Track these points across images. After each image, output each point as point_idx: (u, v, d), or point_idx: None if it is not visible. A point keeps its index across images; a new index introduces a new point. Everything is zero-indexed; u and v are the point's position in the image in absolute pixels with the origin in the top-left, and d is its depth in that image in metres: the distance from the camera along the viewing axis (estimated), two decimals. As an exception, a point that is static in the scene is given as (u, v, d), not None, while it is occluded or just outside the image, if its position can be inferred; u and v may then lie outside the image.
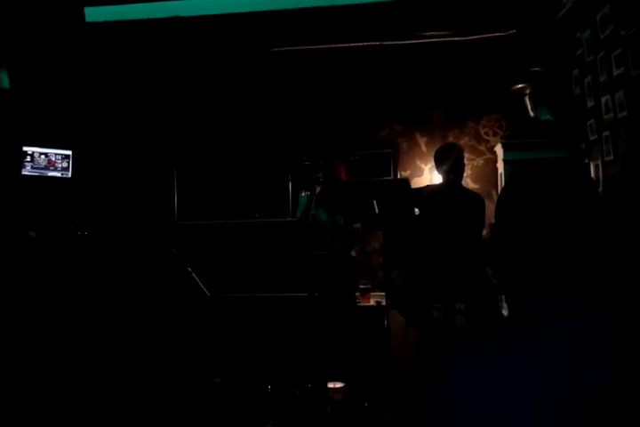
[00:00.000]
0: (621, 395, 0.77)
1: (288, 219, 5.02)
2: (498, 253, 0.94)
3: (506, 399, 0.77)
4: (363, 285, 4.80)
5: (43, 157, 4.74)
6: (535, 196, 0.90)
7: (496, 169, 4.89)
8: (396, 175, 5.12)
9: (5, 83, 4.66)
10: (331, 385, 2.78)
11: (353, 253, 4.34)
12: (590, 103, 3.88)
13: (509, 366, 0.79)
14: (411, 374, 3.69)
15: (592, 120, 3.85)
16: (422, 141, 5.17)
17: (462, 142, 4.97)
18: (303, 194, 4.25)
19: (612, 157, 3.52)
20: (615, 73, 3.40)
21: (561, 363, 0.79)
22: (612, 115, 3.49)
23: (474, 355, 0.84)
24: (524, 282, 0.89)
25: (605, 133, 3.61)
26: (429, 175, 5.05)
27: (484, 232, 3.84)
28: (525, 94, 4.49)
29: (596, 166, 3.80)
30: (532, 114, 4.49)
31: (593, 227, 0.88)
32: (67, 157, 4.87)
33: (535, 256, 0.88)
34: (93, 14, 4.76)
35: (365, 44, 5.07)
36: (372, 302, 4.77)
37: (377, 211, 3.69)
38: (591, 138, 3.89)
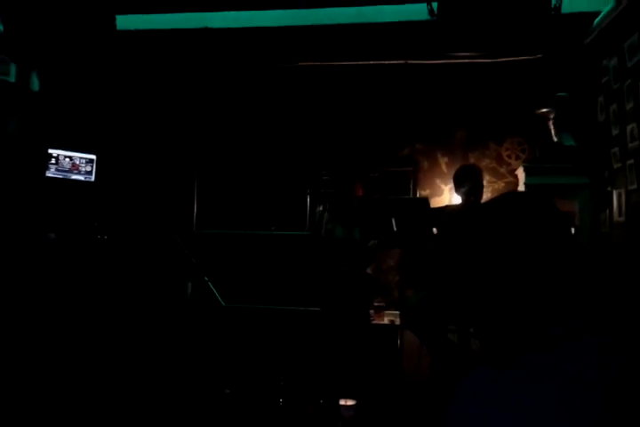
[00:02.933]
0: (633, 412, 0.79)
1: (305, 232, 5.03)
2: (476, 286, 0.96)
3: (521, 424, 0.77)
4: (377, 303, 4.78)
5: (67, 160, 4.81)
6: (517, 230, 0.92)
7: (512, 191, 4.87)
8: (416, 194, 5.11)
9: (35, 86, 4.74)
10: (342, 402, 2.76)
11: (368, 271, 4.33)
12: (615, 131, 3.87)
13: (525, 391, 0.79)
14: (423, 394, 3.66)
15: (616, 148, 3.84)
16: (443, 161, 5.17)
17: (483, 164, 4.95)
18: (320, 209, 4.27)
19: (635, 186, 3.50)
20: (642, 102, 3.40)
21: (575, 385, 0.79)
22: (637, 143, 3.48)
23: (488, 380, 0.84)
24: (520, 309, 0.90)
25: (630, 162, 3.60)
26: (449, 195, 5.03)
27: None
28: (549, 119, 4.49)
29: (619, 195, 3.78)
30: (555, 139, 4.48)
31: (577, 254, 0.92)
32: (91, 161, 4.93)
33: (524, 287, 0.90)
34: (125, 22, 4.86)
35: (390, 62, 5.11)
36: (385, 321, 4.75)
37: (395, 228, 3.70)
38: (615, 166, 3.88)
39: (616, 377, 0.81)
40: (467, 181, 3.81)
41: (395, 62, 5.11)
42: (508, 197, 1.04)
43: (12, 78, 4.46)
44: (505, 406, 0.79)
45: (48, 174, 4.69)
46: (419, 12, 4.38)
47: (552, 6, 4.03)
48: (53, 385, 3.65)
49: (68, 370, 3.89)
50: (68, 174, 4.81)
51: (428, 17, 4.31)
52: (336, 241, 4.17)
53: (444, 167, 5.15)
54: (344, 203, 4.21)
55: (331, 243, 4.17)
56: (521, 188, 4.64)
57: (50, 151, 4.72)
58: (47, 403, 3.40)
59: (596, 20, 4.18)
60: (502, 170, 5.03)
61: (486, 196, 4.64)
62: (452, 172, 4.10)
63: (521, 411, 0.78)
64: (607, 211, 4.01)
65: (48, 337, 4.07)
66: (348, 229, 4.18)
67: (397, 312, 4.66)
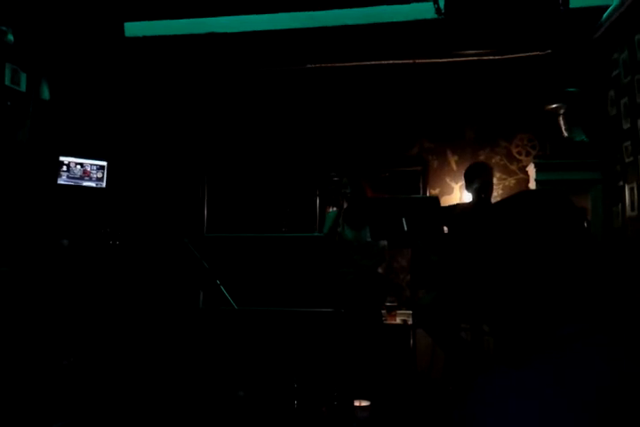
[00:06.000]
0: None
1: (315, 234, 5.02)
2: (490, 285, 0.95)
3: (533, 425, 0.76)
4: (389, 302, 4.77)
5: (78, 167, 4.85)
6: (529, 227, 0.92)
7: (528, 189, 4.83)
8: (426, 193, 5.09)
9: (46, 94, 4.79)
10: (357, 403, 2.75)
11: (380, 270, 4.32)
12: (626, 125, 3.83)
13: (537, 392, 0.79)
14: (437, 393, 3.64)
15: (628, 142, 3.80)
16: (453, 160, 5.14)
17: (493, 161, 4.93)
18: (331, 210, 4.26)
19: (648, 180, 3.47)
20: (653, 95, 3.36)
21: (587, 386, 0.78)
22: (649, 137, 3.44)
23: (502, 381, 0.83)
24: (534, 307, 0.90)
25: (642, 156, 3.56)
26: (459, 194, 5.01)
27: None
28: (560, 114, 4.45)
29: (631, 189, 3.74)
30: (565, 134, 4.44)
31: (589, 252, 0.91)
32: (102, 167, 4.97)
33: (539, 285, 0.89)
34: (133, 29, 4.90)
35: (398, 61, 5.10)
36: (398, 321, 4.74)
37: (405, 228, 3.68)
38: (627, 160, 3.84)
39: (629, 378, 0.80)
40: (478, 179, 3.80)
41: (403, 62, 5.10)
42: (524, 195, 1.04)
43: (23, 87, 4.51)
44: (517, 406, 0.78)
45: (60, 182, 4.73)
46: (425, 11, 4.36)
47: (560, 1, 4.00)
48: (69, 390, 3.67)
49: (84, 375, 3.92)
50: (80, 181, 4.85)
51: (435, 15, 4.30)
52: (346, 243, 4.16)
53: (453, 165, 5.13)
54: (353, 204, 4.20)
55: (341, 244, 4.16)
56: (532, 184, 4.61)
57: (61, 159, 4.76)
58: (65, 407, 3.43)
59: (605, 13, 4.15)
60: (513, 167, 4.99)
61: (497, 193, 4.62)
62: (462, 170, 4.09)
63: (533, 412, 0.77)
64: (620, 205, 3.96)
65: (63, 343, 4.10)
66: (358, 230, 4.17)
67: (410, 312, 4.64)
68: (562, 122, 4.46)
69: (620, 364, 0.81)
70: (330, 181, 5.00)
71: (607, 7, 4.10)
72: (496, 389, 0.82)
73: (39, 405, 3.36)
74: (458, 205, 4.18)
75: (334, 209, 4.16)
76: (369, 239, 4.07)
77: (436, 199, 4.05)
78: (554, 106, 4.46)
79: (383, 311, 4.52)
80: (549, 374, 0.80)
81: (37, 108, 4.67)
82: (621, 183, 3.94)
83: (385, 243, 4.19)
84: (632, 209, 3.73)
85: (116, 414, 3.45)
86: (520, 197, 1.01)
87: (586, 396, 0.77)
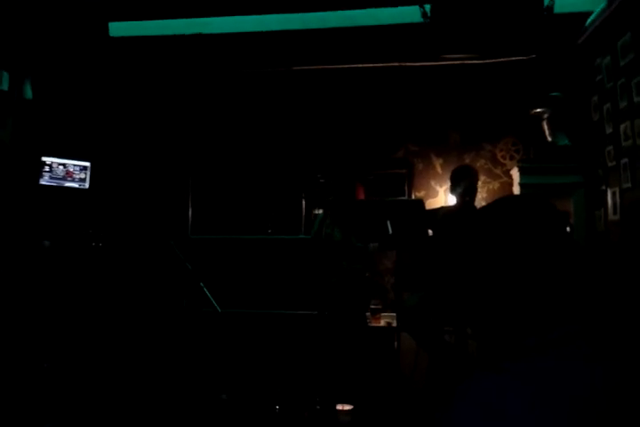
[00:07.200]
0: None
1: (301, 236, 5.01)
2: (474, 290, 0.95)
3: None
4: (374, 305, 4.76)
5: (61, 167, 4.80)
6: (514, 232, 0.92)
7: (512, 193, 4.85)
8: (411, 196, 5.10)
9: (28, 94, 4.74)
10: (339, 407, 2.74)
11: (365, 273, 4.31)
12: (609, 130, 3.86)
13: (520, 397, 0.79)
14: (421, 397, 3.64)
15: (610, 147, 3.83)
16: (438, 163, 5.16)
17: (478, 165, 4.96)
18: (318, 213, 4.26)
19: (629, 185, 3.49)
20: (635, 100, 3.39)
21: (572, 391, 0.78)
22: (631, 142, 3.47)
23: (485, 388, 0.83)
24: (515, 314, 0.90)
25: (624, 160, 3.59)
26: (444, 197, 5.03)
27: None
28: (544, 119, 4.49)
29: (614, 193, 3.77)
30: (549, 139, 4.48)
31: (571, 256, 0.91)
32: (85, 168, 4.92)
33: (523, 289, 0.89)
34: (117, 29, 4.85)
35: (384, 64, 5.11)
36: (382, 323, 4.74)
37: (390, 231, 3.69)
38: (609, 164, 3.87)
39: (613, 383, 0.80)
40: (464, 181, 3.83)
41: (388, 65, 5.11)
42: (507, 200, 1.04)
43: (5, 87, 4.45)
44: (499, 411, 0.78)
45: (42, 182, 4.68)
46: (412, 15, 4.37)
47: (544, 7, 4.03)
48: (50, 393, 3.62)
49: (68, 377, 3.87)
50: (62, 182, 4.80)
51: (422, 19, 4.31)
52: (334, 244, 4.15)
53: (438, 169, 5.15)
54: (341, 206, 4.20)
55: (329, 246, 4.15)
56: (515, 188, 4.64)
57: (43, 159, 4.71)
58: (48, 410, 3.38)
59: (589, 19, 4.18)
60: (497, 170, 5.02)
61: (481, 195, 4.65)
62: (447, 173, 4.11)
63: (515, 417, 0.77)
64: (602, 210, 4.00)
65: (44, 345, 4.05)
66: (347, 233, 4.16)
67: (394, 314, 4.65)
68: (546, 126, 4.49)
69: (604, 374, 0.81)
70: (316, 184, 5.00)
71: (591, 13, 4.14)
72: (479, 393, 0.82)
73: (25, 408, 3.31)
74: (442, 208, 4.19)
75: (321, 212, 4.15)
76: (359, 244, 4.07)
77: (420, 202, 4.06)
78: (538, 110, 4.50)
79: (367, 314, 4.52)
80: (530, 380, 0.80)
81: (20, 107, 4.62)
82: (604, 187, 3.97)
83: (376, 245, 4.17)
84: (614, 213, 3.76)
85: (101, 416, 3.41)
86: (503, 202, 1.02)
87: (566, 403, 0.77)
